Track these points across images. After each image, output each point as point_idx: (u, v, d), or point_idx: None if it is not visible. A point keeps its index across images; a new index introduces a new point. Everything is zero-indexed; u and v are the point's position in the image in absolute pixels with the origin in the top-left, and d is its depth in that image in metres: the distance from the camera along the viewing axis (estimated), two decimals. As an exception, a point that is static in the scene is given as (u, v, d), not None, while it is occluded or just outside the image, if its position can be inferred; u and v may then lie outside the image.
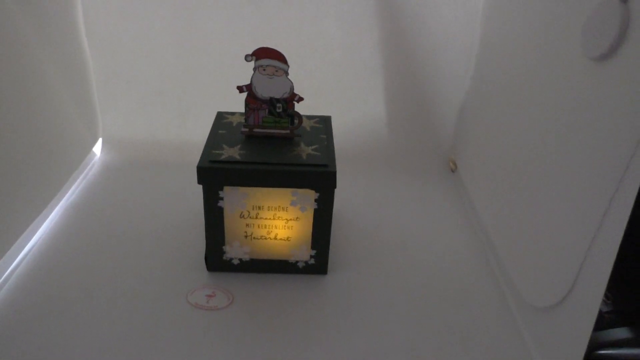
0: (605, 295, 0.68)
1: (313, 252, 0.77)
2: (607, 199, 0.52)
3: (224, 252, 0.77)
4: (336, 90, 1.09)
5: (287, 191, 0.71)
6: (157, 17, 1.01)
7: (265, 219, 0.74)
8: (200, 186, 0.71)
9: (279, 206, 0.73)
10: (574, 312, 0.58)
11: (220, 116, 0.83)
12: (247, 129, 0.77)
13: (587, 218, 0.56)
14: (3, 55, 0.74)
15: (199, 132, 1.03)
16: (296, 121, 0.76)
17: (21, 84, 0.79)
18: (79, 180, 1.00)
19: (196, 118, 1.10)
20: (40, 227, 0.85)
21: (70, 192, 0.96)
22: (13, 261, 0.77)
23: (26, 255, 0.79)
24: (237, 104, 0.79)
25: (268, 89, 0.74)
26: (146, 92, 1.08)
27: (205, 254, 0.78)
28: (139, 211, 0.92)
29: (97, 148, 1.10)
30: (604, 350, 0.64)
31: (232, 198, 0.72)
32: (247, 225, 0.74)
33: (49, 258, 0.79)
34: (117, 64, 1.05)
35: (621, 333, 0.65)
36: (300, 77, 0.77)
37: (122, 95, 1.08)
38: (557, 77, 0.66)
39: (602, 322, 0.66)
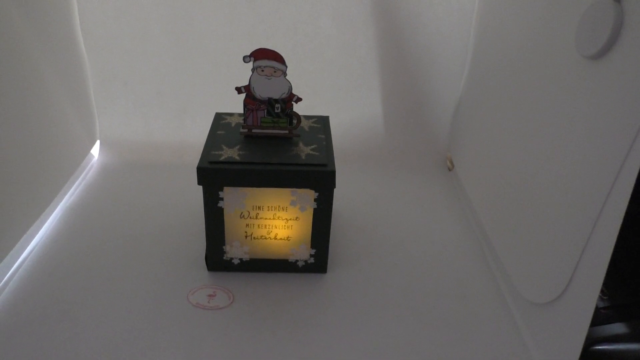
0: (602, 290, 0.68)
1: (313, 251, 0.77)
2: (603, 195, 0.53)
3: (224, 252, 0.77)
4: (333, 89, 1.09)
5: (287, 191, 0.72)
6: (154, 17, 1.01)
7: (265, 218, 0.74)
8: (200, 187, 0.71)
9: (279, 206, 0.73)
10: (571, 308, 0.59)
11: (219, 117, 0.84)
12: (245, 130, 0.77)
13: (583, 214, 0.57)
14: (0, 57, 0.74)
15: (197, 133, 1.03)
16: (295, 121, 0.77)
17: (18, 86, 0.79)
18: (77, 183, 1.00)
19: (194, 119, 1.10)
20: (39, 229, 0.85)
21: (69, 194, 0.96)
22: (14, 264, 0.77)
23: (26, 257, 0.80)
24: (235, 104, 0.80)
25: (266, 90, 0.74)
26: (144, 94, 1.08)
27: (206, 254, 0.79)
28: (138, 212, 0.92)
29: (95, 150, 1.11)
30: (600, 345, 0.64)
31: (232, 198, 0.72)
32: (247, 225, 0.75)
33: (49, 260, 0.80)
34: (114, 66, 1.05)
35: (617, 328, 0.66)
36: (296, 77, 0.77)
37: (120, 97, 1.08)
38: (552, 75, 0.67)
39: (599, 318, 0.66)
